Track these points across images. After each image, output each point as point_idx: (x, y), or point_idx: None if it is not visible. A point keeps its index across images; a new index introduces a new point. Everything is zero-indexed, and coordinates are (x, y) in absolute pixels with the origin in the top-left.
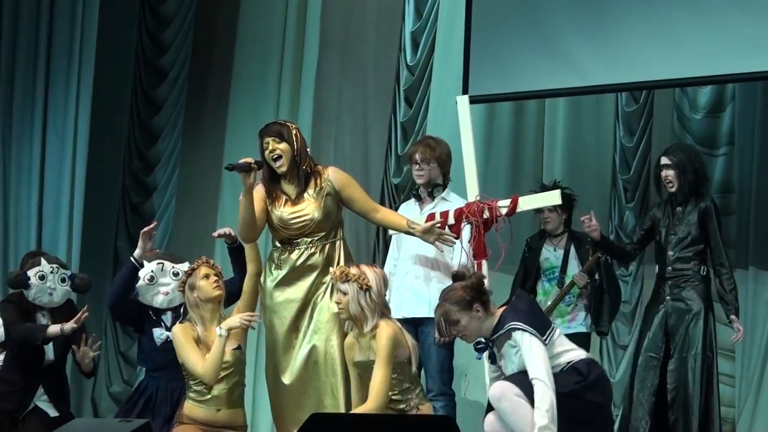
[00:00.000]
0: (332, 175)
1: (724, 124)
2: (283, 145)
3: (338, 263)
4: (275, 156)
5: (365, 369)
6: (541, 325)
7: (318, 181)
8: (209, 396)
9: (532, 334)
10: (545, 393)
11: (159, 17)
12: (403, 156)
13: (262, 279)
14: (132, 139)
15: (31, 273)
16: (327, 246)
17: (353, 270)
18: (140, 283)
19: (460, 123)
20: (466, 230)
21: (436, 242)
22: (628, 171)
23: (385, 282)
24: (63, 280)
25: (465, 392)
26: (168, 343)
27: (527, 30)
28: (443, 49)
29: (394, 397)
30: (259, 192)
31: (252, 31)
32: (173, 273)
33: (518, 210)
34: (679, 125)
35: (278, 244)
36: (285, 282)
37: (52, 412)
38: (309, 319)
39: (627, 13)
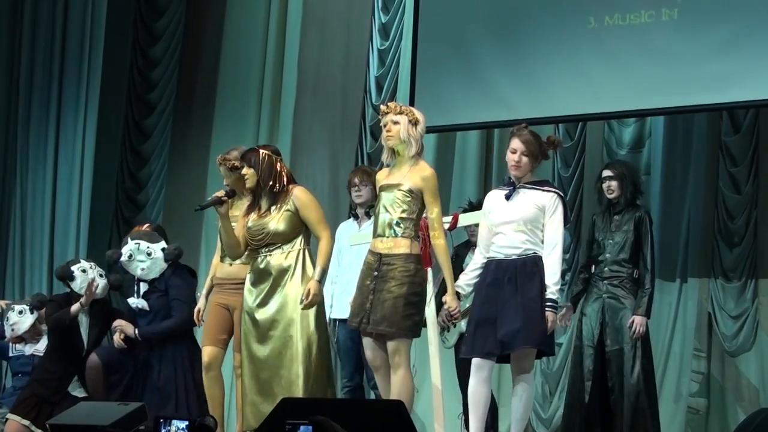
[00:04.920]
0: (296, 193)
1: (644, 158)
2: (250, 171)
3: (293, 272)
4: (245, 177)
5: (389, 190)
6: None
7: (284, 198)
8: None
9: (565, 211)
10: (558, 261)
11: (148, 59)
12: None
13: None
14: (125, 162)
15: (74, 268)
16: (282, 255)
17: (404, 106)
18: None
19: None
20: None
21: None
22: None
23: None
24: (101, 275)
25: (414, 378)
26: None
27: (463, 72)
28: (404, 93)
29: (400, 215)
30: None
31: (233, 73)
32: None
33: (458, 225)
34: (608, 158)
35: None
36: (253, 285)
37: (81, 394)
38: (268, 320)
39: (546, 60)
